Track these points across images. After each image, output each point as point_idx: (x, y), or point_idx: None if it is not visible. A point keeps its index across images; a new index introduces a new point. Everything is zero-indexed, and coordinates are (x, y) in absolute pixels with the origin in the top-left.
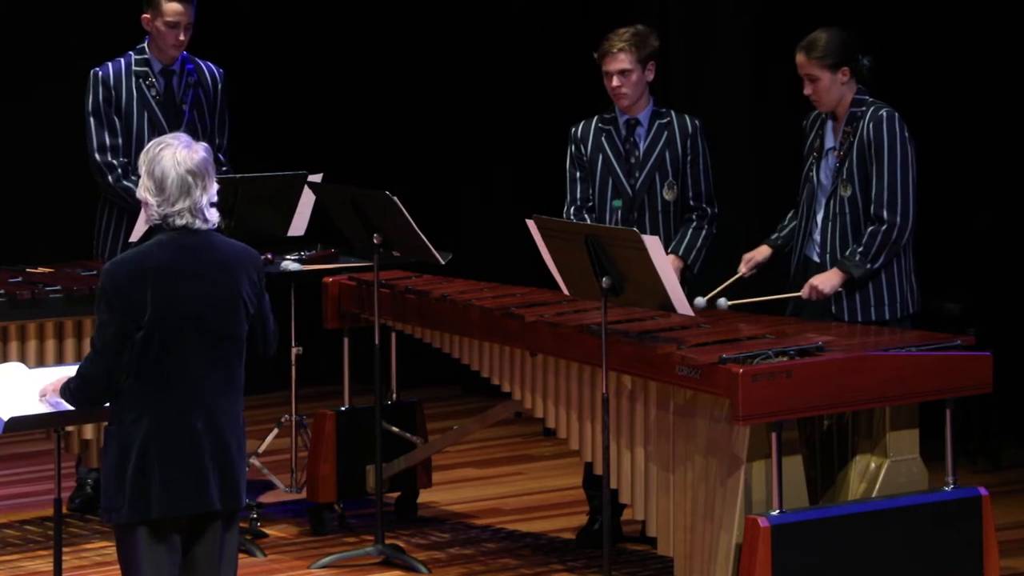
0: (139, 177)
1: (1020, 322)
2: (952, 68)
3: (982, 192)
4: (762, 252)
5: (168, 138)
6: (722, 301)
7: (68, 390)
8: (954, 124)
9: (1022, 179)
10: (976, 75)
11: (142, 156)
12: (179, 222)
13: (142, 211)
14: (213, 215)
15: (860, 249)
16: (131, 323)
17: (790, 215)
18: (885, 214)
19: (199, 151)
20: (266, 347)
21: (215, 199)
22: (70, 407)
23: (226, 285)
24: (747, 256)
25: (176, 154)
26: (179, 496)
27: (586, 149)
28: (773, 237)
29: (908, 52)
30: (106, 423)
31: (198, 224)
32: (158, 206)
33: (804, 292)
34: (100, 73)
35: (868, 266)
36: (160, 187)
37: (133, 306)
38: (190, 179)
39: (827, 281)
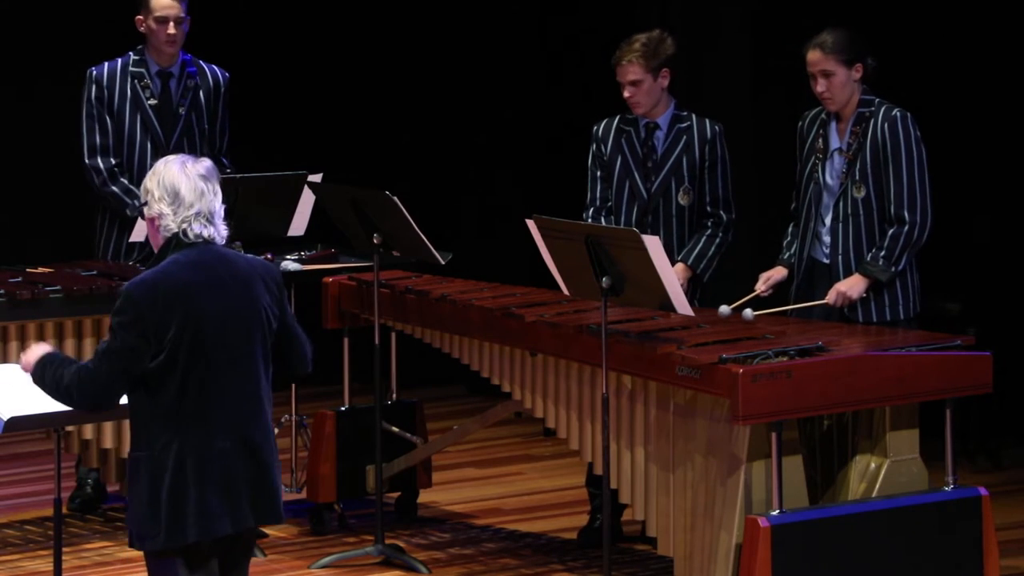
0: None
1: (1020, 322)
2: (951, 69)
3: (982, 192)
4: (779, 272)
5: (170, 156)
6: (747, 312)
7: (54, 382)
8: (953, 124)
9: (1022, 180)
10: (975, 76)
11: (148, 179)
12: (195, 230)
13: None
14: (223, 228)
15: (883, 253)
16: (147, 347)
17: (791, 229)
18: (906, 215)
19: (205, 160)
20: (303, 367)
21: (223, 213)
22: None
23: (246, 299)
24: (764, 275)
25: (185, 164)
26: (215, 518)
27: (606, 149)
28: (785, 257)
29: (908, 54)
30: (131, 450)
31: (212, 232)
32: (174, 214)
33: (831, 298)
34: (95, 72)
35: (892, 269)
36: (175, 195)
37: (151, 330)
38: (203, 184)
39: (854, 286)
